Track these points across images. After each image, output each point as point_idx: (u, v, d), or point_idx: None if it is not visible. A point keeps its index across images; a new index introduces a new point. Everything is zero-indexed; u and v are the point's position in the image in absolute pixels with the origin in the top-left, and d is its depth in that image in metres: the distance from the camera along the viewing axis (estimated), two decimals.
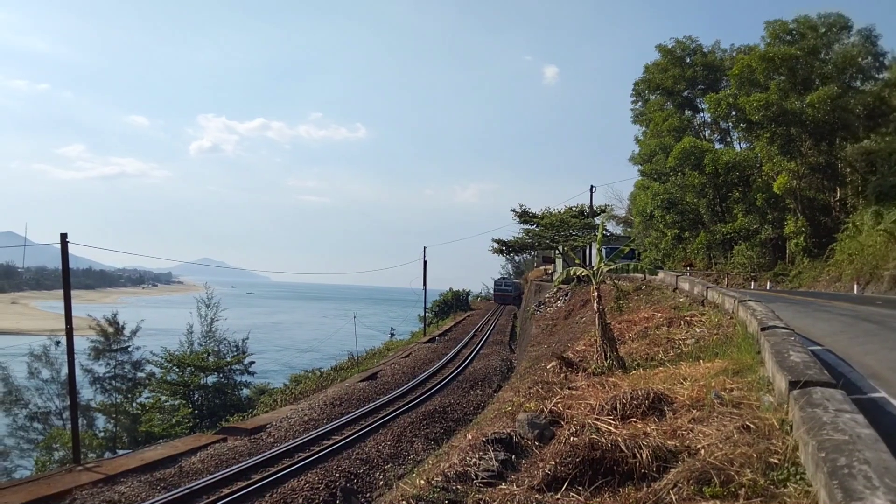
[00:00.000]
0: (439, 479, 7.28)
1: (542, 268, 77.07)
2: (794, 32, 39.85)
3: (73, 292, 20.11)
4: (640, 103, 57.52)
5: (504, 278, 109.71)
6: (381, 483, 15.81)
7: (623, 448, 6.15)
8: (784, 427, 5.64)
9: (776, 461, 5.07)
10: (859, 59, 38.45)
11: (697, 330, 14.08)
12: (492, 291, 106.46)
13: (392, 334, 71.33)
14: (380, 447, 18.71)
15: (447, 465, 7.87)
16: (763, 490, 4.74)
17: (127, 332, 34.58)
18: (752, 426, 5.98)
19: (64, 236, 18.94)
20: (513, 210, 56.42)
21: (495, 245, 61.08)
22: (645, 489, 5.53)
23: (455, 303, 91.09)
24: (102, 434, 30.97)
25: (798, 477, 4.72)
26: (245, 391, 39.66)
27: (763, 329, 9.04)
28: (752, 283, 38.18)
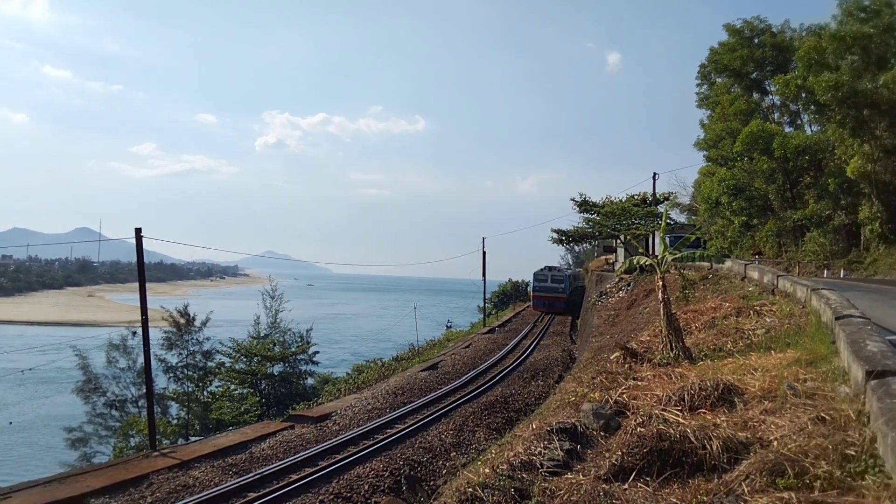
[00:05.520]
0: (504, 467, 7.34)
1: (602, 257, 75.83)
2: (868, 9, 38.06)
3: (146, 285, 20.83)
4: (705, 86, 55.88)
5: (552, 268, 66.90)
6: (445, 471, 15.97)
7: (692, 439, 6.09)
8: (861, 418, 5.49)
9: (853, 453, 4.95)
10: None
11: (768, 320, 13.69)
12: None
13: (448, 326, 71.35)
14: (442, 436, 18.87)
15: (511, 454, 7.92)
16: (839, 482, 4.63)
17: (197, 323, 35.77)
18: (827, 417, 5.83)
19: (138, 231, 19.49)
20: (573, 199, 55.88)
21: (554, 235, 60.63)
22: (716, 480, 5.47)
23: (514, 293, 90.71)
24: (175, 421, 32.18)
25: (876, 469, 4.59)
26: (310, 380, 40.66)
27: (838, 318, 8.76)
28: (825, 271, 36.79)
